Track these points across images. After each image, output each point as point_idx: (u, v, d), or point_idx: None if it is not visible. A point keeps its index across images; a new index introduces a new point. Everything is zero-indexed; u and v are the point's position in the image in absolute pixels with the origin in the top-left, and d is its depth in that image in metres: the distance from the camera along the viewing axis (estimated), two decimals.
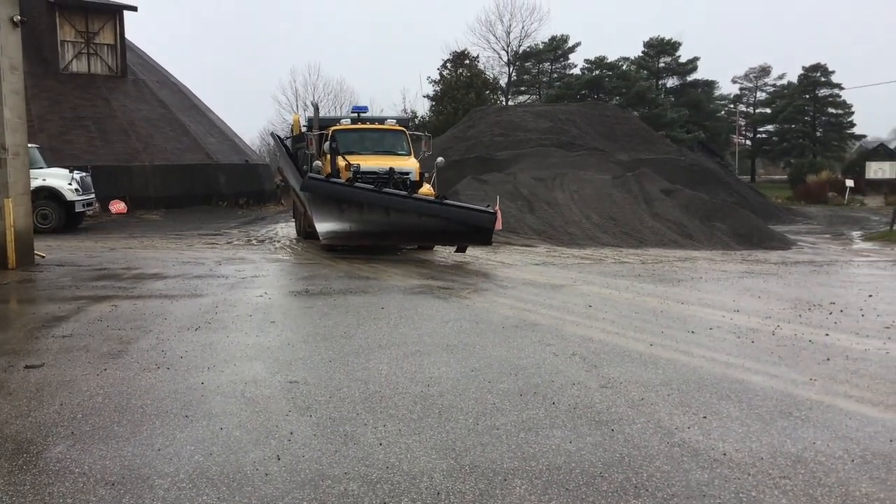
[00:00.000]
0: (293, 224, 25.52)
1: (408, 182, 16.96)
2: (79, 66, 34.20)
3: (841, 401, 6.11)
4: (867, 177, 54.33)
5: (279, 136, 24.99)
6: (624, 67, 74.62)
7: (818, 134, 79.25)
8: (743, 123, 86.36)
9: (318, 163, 17.50)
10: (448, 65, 66.00)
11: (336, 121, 19.99)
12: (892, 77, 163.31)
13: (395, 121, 20.21)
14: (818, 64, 78.16)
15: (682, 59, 77.83)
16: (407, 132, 19.19)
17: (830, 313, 9.97)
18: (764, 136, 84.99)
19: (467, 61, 65.93)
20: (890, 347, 7.95)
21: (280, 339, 8.23)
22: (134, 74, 36.00)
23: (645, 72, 76.47)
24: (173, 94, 37.76)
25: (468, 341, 8.12)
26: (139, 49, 39.43)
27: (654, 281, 13.13)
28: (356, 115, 19.91)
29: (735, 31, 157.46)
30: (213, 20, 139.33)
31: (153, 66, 39.29)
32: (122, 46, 35.30)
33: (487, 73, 69.11)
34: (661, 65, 78.60)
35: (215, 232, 23.49)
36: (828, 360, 7.46)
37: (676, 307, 10.41)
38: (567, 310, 10.10)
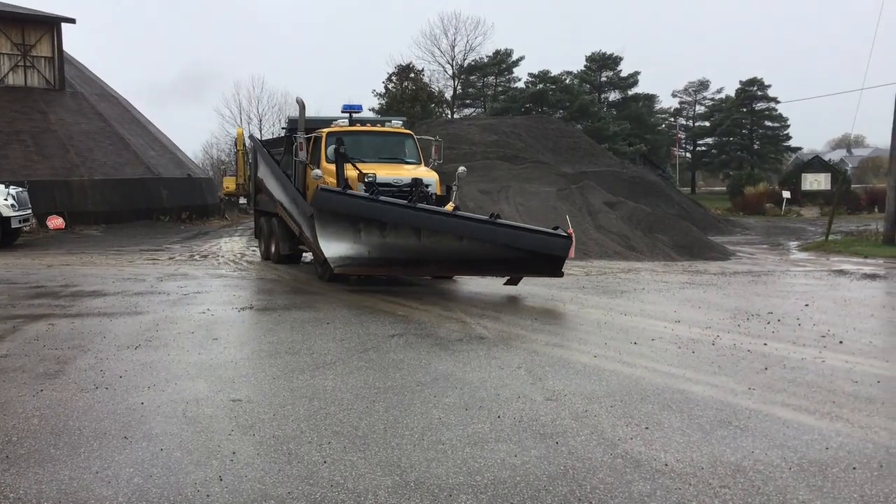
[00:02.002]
0: (238, 239, 25.15)
1: (431, 196, 13.78)
2: (15, 80, 33.41)
3: (779, 409, 6.25)
4: (803, 188, 55.76)
5: (259, 140, 20.31)
6: (567, 81, 75.52)
7: (756, 146, 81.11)
8: (683, 136, 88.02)
9: (317, 171, 13.96)
10: (393, 78, 66.04)
11: (326, 122, 16.54)
12: (826, 91, 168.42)
13: (400, 122, 16.83)
14: (755, 78, 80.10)
15: (624, 74, 79.13)
16: (415, 136, 16.09)
17: (768, 323, 10.19)
18: (703, 148, 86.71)
19: (412, 74, 66.05)
20: (826, 356, 8.16)
21: (223, 356, 8.11)
22: (72, 87, 35.28)
23: (587, 86, 77.56)
24: (113, 107, 37.10)
25: (414, 355, 8.11)
26: (78, 62, 38.65)
27: (598, 292, 13.29)
28: (348, 114, 16.52)
29: (674, 46, 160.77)
30: (154, 30, 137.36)
31: (92, 78, 38.55)
32: (60, 59, 34.58)
33: (433, 86, 69.36)
34: (604, 79, 79.77)
35: (157, 247, 23.08)
36: (766, 369, 7.62)
37: (619, 318, 10.55)
38: (512, 322, 10.16)
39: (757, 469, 4.93)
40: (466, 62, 75.65)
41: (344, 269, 12.51)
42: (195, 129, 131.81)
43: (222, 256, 20.25)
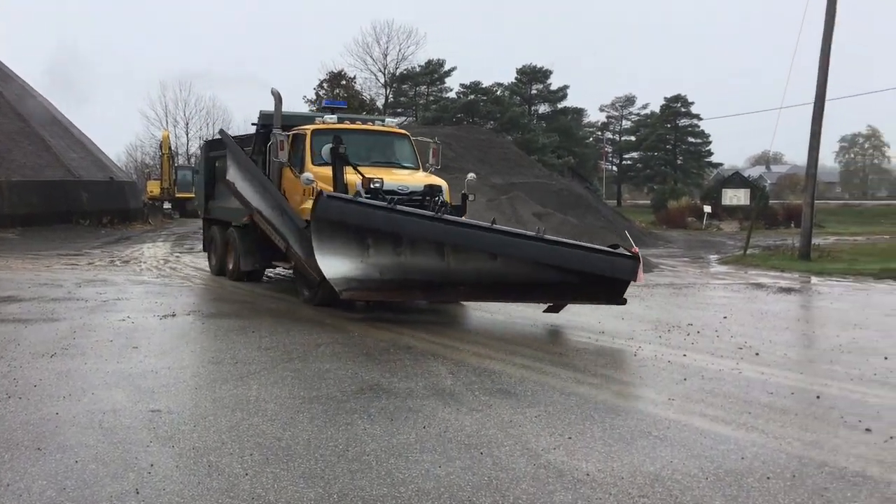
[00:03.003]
0: (161, 244, 24.60)
1: (445, 206, 11.84)
2: None
3: (697, 420, 6.40)
4: (723, 203, 57.32)
5: (229, 135, 16.38)
6: (498, 93, 76.22)
7: (679, 161, 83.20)
8: (609, 150, 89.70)
9: (308, 175, 12.10)
10: (325, 85, 65.72)
11: (304, 119, 14.59)
12: (746, 109, 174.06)
13: (395, 122, 15.48)
14: (679, 95, 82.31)
15: (553, 87, 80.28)
16: (411, 137, 14.58)
17: (688, 334, 10.44)
18: (629, 162, 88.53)
19: (344, 82, 65.84)
20: (742, 367, 8.40)
21: (143, 365, 7.92)
22: None
23: (518, 98, 78.43)
24: (33, 107, 35.93)
25: (340, 365, 8.05)
26: None
27: (526, 304, 13.40)
28: (330, 110, 14.66)
29: (602, 62, 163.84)
30: (74, 30, 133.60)
31: (12, 77, 37.30)
32: None
33: (364, 94, 69.23)
34: (534, 91, 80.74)
35: (76, 252, 22.42)
36: (685, 380, 7.80)
37: (546, 330, 10.67)
38: (441, 333, 10.18)
39: (675, 479, 5.04)
40: (399, 71, 75.71)
41: (352, 293, 10.57)
42: (119, 130, 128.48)
43: (145, 262, 19.79)
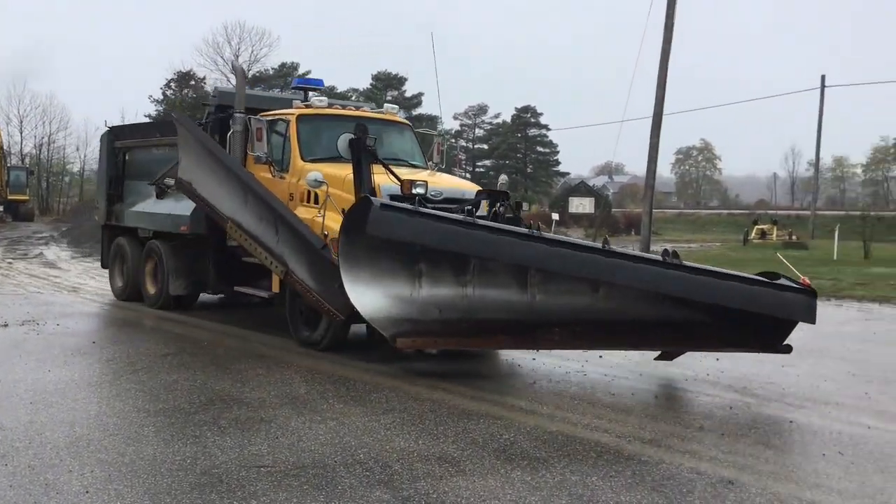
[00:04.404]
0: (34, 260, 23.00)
1: (519, 219, 9.43)
2: None
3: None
4: (570, 211, 59.55)
5: (188, 118, 12.08)
6: (353, 98, 76.13)
7: (529, 170, 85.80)
8: (463, 158, 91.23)
9: (316, 174, 9.26)
10: (172, 84, 63.52)
11: (274, 102, 12.04)
12: (591, 121, 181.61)
13: (396, 109, 12.02)
14: (528, 106, 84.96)
15: (408, 94, 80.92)
16: (413, 130, 12.04)
17: None
18: (482, 169, 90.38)
19: (193, 82, 63.84)
20: (588, 370, 8.74)
21: None
22: None
23: (373, 104, 78.63)
24: None
25: (188, 375, 7.80)
26: None
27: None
28: (312, 91, 11.90)
29: (456, 71, 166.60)
30: None
31: None
32: None
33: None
34: (389, 98, 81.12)
35: None
36: (534, 383, 8.05)
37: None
38: (291, 338, 10.00)
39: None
40: (251, 73, 74.18)
41: (408, 340, 7.86)
42: None
43: None
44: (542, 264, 7.71)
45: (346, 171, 9.34)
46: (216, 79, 70.45)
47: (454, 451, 5.68)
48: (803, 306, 7.79)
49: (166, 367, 8.20)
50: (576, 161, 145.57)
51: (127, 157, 13.83)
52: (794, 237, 38.06)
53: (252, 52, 72.88)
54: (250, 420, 6.35)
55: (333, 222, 8.67)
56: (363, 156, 8.96)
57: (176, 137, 11.40)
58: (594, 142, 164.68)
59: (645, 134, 25.03)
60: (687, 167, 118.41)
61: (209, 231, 11.17)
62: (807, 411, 7.14)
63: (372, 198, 7.83)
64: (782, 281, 7.97)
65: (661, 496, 4.93)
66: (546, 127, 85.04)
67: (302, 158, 10.22)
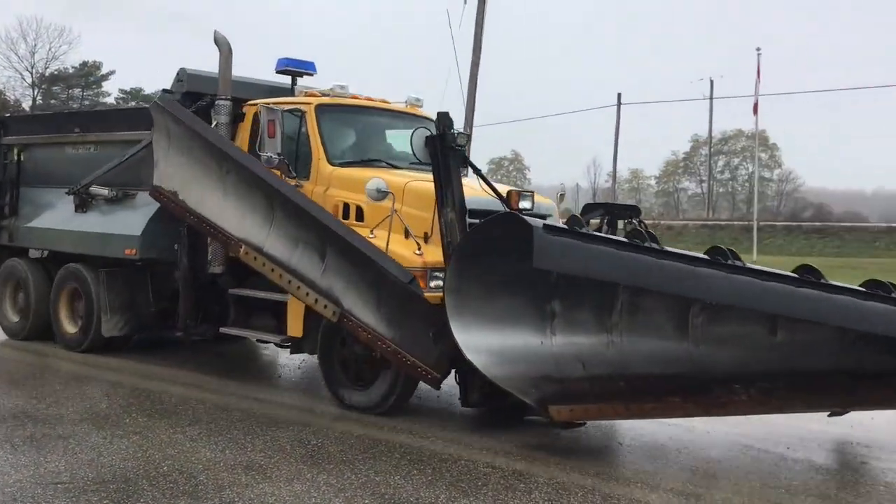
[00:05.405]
0: None
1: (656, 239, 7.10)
2: None
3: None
4: None
5: (180, 105, 8.61)
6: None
7: None
8: None
9: (379, 181, 7.02)
10: None
11: (266, 90, 9.13)
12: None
13: (418, 99, 9.25)
14: None
15: None
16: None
17: None
18: None
19: None
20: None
21: None
22: None
23: None
24: None
25: None
26: None
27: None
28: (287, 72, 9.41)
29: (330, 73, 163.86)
30: None
31: None
32: None
33: (8, 94, 62.85)
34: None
35: None
36: None
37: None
38: (88, 353, 9.62)
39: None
40: (49, 71, 69.82)
41: (563, 409, 6.10)
42: None
43: None
44: (704, 299, 5.61)
45: (404, 178, 7.55)
46: (9, 76, 65.94)
47: (261, 459, 5.77)
48: None
49: None
50: None
51: (22, 157, 10.90)
52: None
53: (50, 49, 68.74)
54: (47, 437, 6.12)
55: (403, 248, 6.92)
56: (452, 158, 6.67)
57: (130, 133, 9.18)
58: None
59: None
60: (500, 177, 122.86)
61: (186, 255, 8.61)
62: None
63: (528, 218, 6.17)
64: None
65: (458, 490, 5.26)
66: None
67: (329, 162, 7.96)
